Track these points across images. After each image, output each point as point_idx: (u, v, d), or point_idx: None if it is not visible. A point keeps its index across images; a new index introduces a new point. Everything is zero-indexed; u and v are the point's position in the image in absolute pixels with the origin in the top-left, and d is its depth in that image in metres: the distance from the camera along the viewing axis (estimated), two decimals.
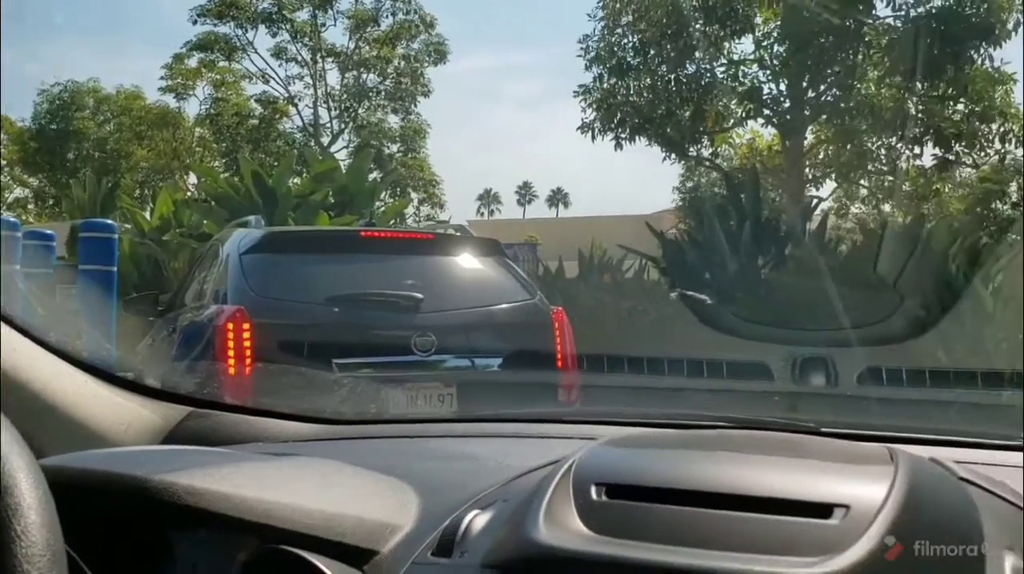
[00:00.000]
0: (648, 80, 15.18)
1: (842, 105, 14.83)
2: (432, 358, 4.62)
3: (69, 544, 0.90)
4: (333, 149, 22.26)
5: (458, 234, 6.00)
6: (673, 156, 16.20)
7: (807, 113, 15.24)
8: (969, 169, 16.25)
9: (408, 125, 23.36)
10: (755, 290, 8.76)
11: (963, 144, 14.42)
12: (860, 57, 14.55)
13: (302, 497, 1.22)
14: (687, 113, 15.20)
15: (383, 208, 16.07)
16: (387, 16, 22.79)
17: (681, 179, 19.51)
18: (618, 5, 15.49)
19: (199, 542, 1.21)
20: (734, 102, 15.63)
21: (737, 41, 15.33)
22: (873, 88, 14.92)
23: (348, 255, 5.21)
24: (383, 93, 23.18)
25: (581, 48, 15.72)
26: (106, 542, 1.17)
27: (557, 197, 59.17)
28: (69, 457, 1.28)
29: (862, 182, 17.47)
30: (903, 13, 14.12)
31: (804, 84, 14.85)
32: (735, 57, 15.42)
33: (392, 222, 14.34)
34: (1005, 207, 17.20)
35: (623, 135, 15.29)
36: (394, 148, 23.40)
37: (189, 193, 18.35)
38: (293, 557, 1.14)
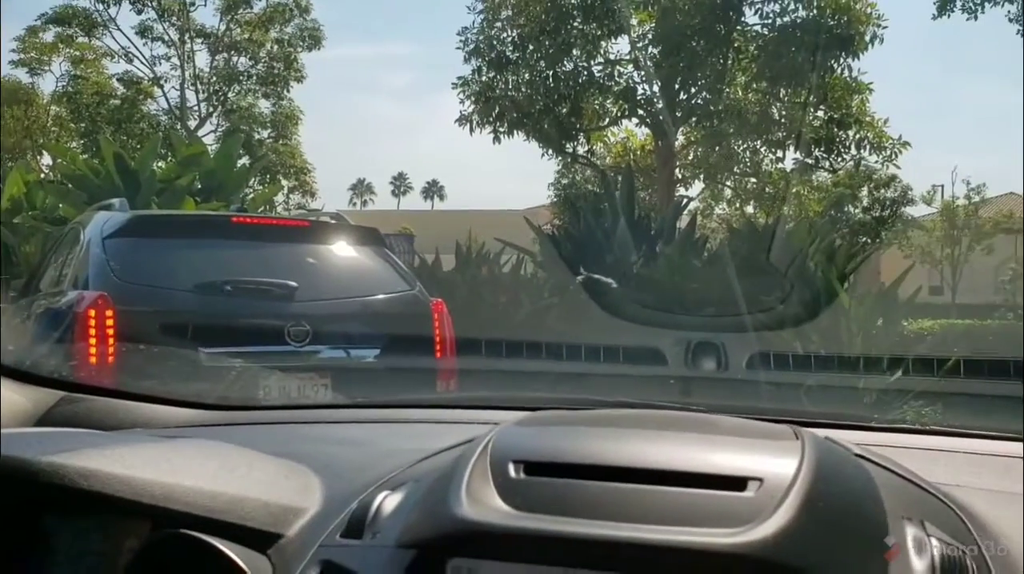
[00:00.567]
0: (527, 75, 15.30)
1: (711, 108, 15.35)
2: (306, 348, 4.51)
3: None
4: (201, 133, 21.48)
5: (335, 222, 5.86)
6: (550, 152, 16.39)
7: (678, 115, 15.69)
8: (826, 173, 17.13)
9: (280, 111, 22.74)
10: (627, 285, 8.94)
11: (822, 149, 15.16)
12: (729, 62, 15.10)
13: (202, 480, 1.19)
14: (564, 110, 15.39)
15: (252, 195, 15.60)
16: None
17: (557, 175, 19.74)
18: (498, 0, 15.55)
19: (82, 530, 1.14)
20: (609, 101, 15.95)
21: (613, 41, 15.65)
22: (741, 93, 15.52)
23: (219, 241, 5.01)
24: (254, 77, 22.46)
25: (460, 40, 15.74)
26: None
27: (432, 189, 59.01)
28: None
29: (728, 183, 18.12)
30: (770, 21, 14.77)
31: (676, 86, 15.29)
32: (611, 57, 15.73)
33: (262, 209, 13.92)
34: (857, 211, 18.25)
35: (501, 129, 15.38)
36: (265, 134, 22.74)
37: (43, 174, 17.32)
38: (194, 542, 1.10)
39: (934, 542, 1.02)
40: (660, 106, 15.58)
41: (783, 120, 15.29)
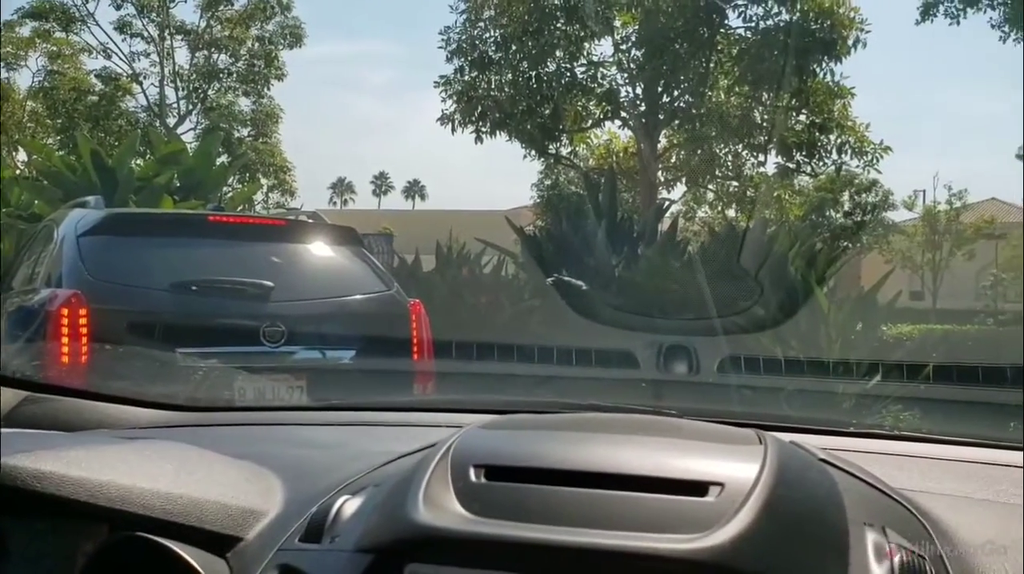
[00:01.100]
0: (509, 75, 15.30)
1: (694, 111, 15.40)
2: (282, 349, 4.47)
3: None
4: (180, 131, 21.31)
5: (312, 221, 5.82)
6: (533, 153, 16.40)
7: (661, 117, 15.73)
8: (807, 178, 17.22)
9: (260, 108, 22.58)
10: (609, 287, 8.94)
11: (803, 153, 15.22)
12: (712, 65, 15.15)
13: (160, 482, 1.18)
14: (547, 111, 15.40)
15: (231, 193, 15.52)
16: None
17: (540, 176, 19.75)
18: None
19: (37, 533, 1.13)
20: (592, 103, 15.97)
21: (596, 43, 15.66)
22: (723, 96, 15.58)
23: (195, 240, 4.97)
24: (235, 75, 22.30)
25: (442, 39, 15.71)
26: None
27: (414, 189, 58.84)
28: None
29: (710, 187, 18.19)
30: (753, 25, 14.82)
31: (659, 89, 15.33)
32: (594, 58, 15.75)
33: (241, 208, 13.84)
34: (838, 215, 18.37)
35: (484, 129, 15.37)
36: (245, 132, 22.60)
37: (19, 171, 17.15)
38: (150, 545, 1.08)
39: (894, 548, 1.02)
40: (643, 108, 15.62)
41: (765, 124, 15.36)
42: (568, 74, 15.37)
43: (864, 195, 18.78)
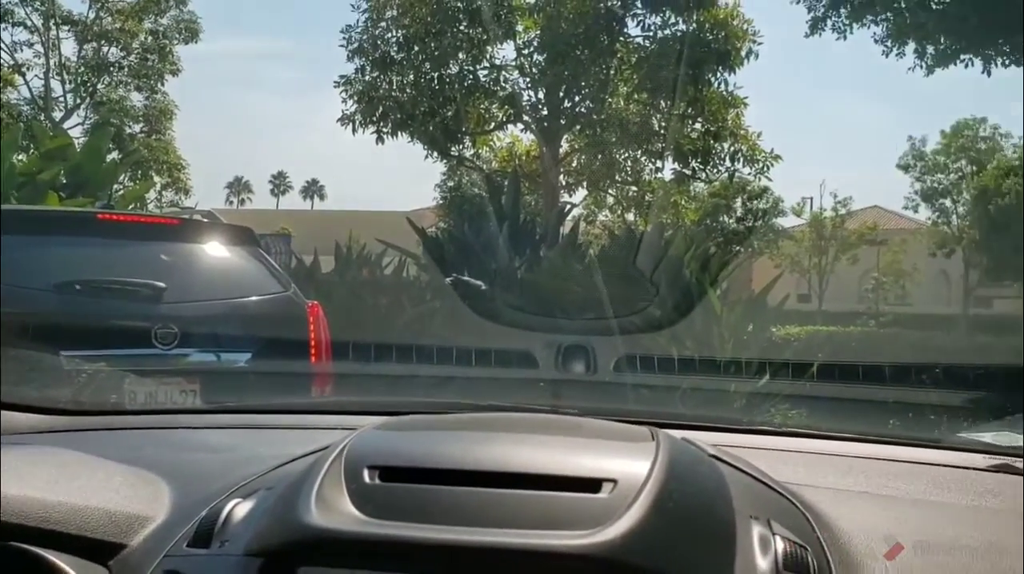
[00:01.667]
0: (411, 76, 15.22)
1: (594, 117, 15.62)
2: (174, 351, 4.33)
3: None
4: (67, 125, 20.41)
5: (206, 221, 5.66)
6: (435, 154, 16.35)
7: (563, 122, 15.91)
8: (702, 184, 17.71)
9: (153, 104, 21.84)
10: (511, 288, 8.99)
11: (698, 160, 15.63)
12: (612, 72, 15.41)
13: (38, 489, 1.14)
14: (449, 112, 15.38)
15: (122, 191, 14.96)
16: None
17: (443, 178, 19.70)
18: None
19: None
20: (495, 106, 16.03)
21: (499, 47, 15.73)
22: (623, 103, 15.86)
23: (82, 239, 4.77)
24: (126, 69, 21.53)
25: (344, 38, 15.54)
26: None
27: (312, 189, 57.83)
28: None
29: (610, 191, 18.49)
30: (652, 34, 15.16)
31: (561, 94, 15.49)
32: (497, 62, 15.82)
33: (132, 206, 13.34)
34: (731, 221, 18.94)
35: (385, 129, 15.24)
36: (137, 128, 21.82)
37: None
38: (26, 555, 1.05)
39: (778, 540, 1.05)
40: (545, 113, 15.77)
41: (662, 131, 15.71)
42: (470, 77, 15.40)
43: (755, 201, 19.43)
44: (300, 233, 19.57)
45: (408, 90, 15.22)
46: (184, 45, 21.84)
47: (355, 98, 15.33)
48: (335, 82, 15.49)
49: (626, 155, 16.83)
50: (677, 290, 8.23)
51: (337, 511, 1.00)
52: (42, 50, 21.24)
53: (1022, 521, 1.17)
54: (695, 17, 14.75)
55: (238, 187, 54.93)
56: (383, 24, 15.47)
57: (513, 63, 15.85)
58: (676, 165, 16.03)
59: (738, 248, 17.25)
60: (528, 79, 15.74)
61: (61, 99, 21.43)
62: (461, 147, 16.84)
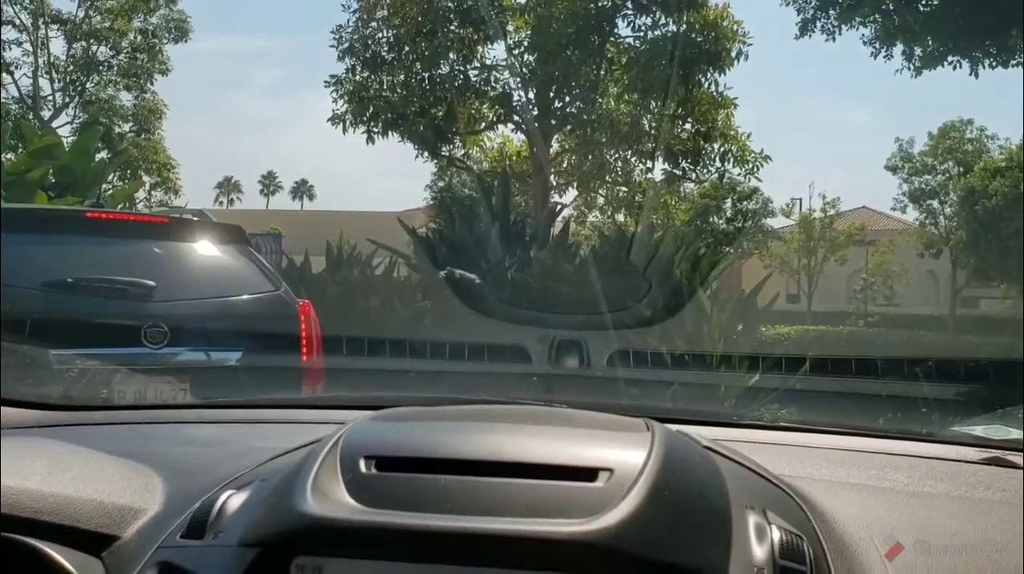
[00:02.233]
0: (402, 76, 15.19)
1: (585, 117, 15.61)
2: (164, 350, 4.31)
3: None
4: (55, 124, 20.33)
5: (196, 219, 5.63)
6: (426, 154, 16.32)
7: (553, 122, 15.90)
8: (692, 184, 17.74)
9: (143, 104, 21.77)
10: (502, 288, 8.99)
11: (689, 161, 15.65)
12: (603, 72, 15.42)
13: (30, 481, 1.14)
14: (440, 112, 15.36)
15: (112, 191, 14.89)
16: None
17: (433, 178, 19.69)
18: None
19: None
20: (486, 106, 16.01)
21: (490, 46, 15.72)
22: (613, 103, 15.87)
23: (71, 237, 4.75)
24: (116, 68, 21.44)
25: (334, 38, 15.49)
26: None
27: (302, 189, 57.72)
28: None
29: (600, 191, 18.50)
30: (642, 34, 15.17)
31: (551, 94, 15.48)
32: (488, 62, 15.81)
33: (122, 206, 13.30)
34: (721, 221, 18.99)
35: (375, 129, 15.20)
36: (126, 127, 21.74)
37: None
38: (18, 546, 1.04)
39: (774, 529, 1.06)
40: (535, 113, 15.75)
41: (652, 131, 15.72)
42: (461, 76, 15.37)
43: (745, 202, 19.50)
44: (290, 233, 19.55)
45: (399, 90, 15.18)
46: (174, 44, 21.82)
47: (345, 98, 15.28)
48: (325, 82, 15.47)
49: (616, 155, 16.83)
50: (668, 290, 8.25)
51: (333, 500, 0.99)
52: (31, 49, 21.16)
53: (1017, 513, 1.18)
54: (685, 18, 14.77)
55: (228, 187, 54.85)
56: (373, 24, 15.43)
57: (504, 63, 15.86)
58: (666, 165, 16.04)
59: (728, 248, 17.29)
60: (519, 79, 15.73)
61: (50, 98, 21.35)
62: (452, 147, 16.82)
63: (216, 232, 5.06)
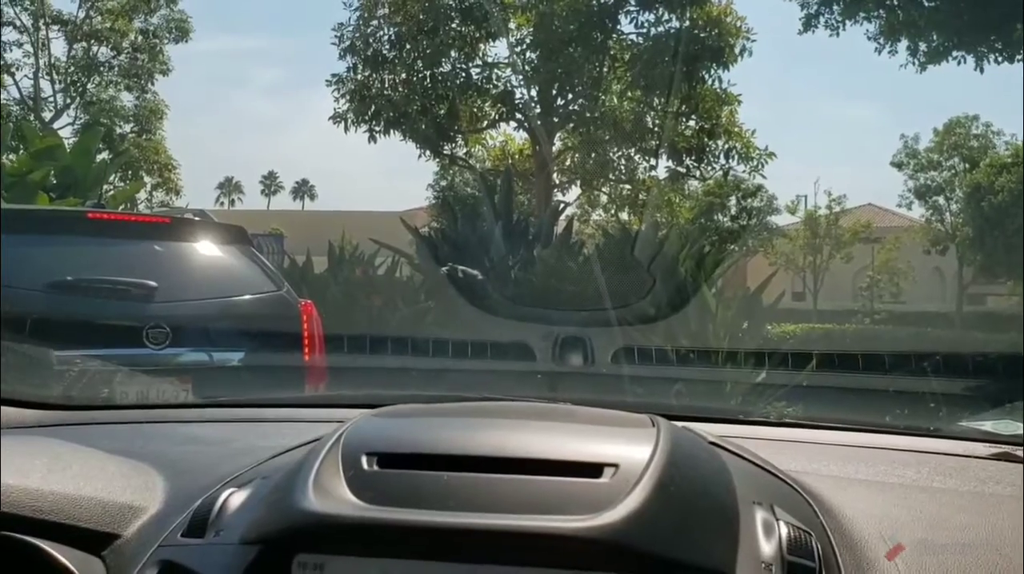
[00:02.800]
0: (404, 74, 15.18)
1: (588, 114, 15.60)
2: (166, 351, 4.30)
3: None
4: (56, 125, 20.37)
5: (198, 219, 5.62)
6: (428, 153, 16.32)
7: (556, 120, 15.89)
8: (696, 182, 17.69)
9: (144, 104, 21.80)
10: (505, 288, 8.99)
11: (692, 158, 15.62)
12: (605, 70, 15.39)
13: (30, 479, 1.13)
14: (442, 111, 15.35)
15: (113, 191, 14.92)
16: None
17: (436, 177, 19.67)
18: None
19: None
20: (488, 104, 15.99)
21: (492, 44, 15.70)
22: (616, 100, 15.84)
23: (73, 238, 4.75)
24: (116, 68, 21.47)
25: (335, 36, 15.50)
26: None
27: (303, 189, 57.75)
28: None
29: (604, 189, 18.48)
30: (645, 31, 15.15)
31: (554, 92, 15.48)
32: (489, 60, 15.80)
33: (123, 207, 13.32)
34: (725, 219, 18.95)
35: (377, 128, 15.20)
36: (127, 128, 21.77)
37: None
38: (18, 545, 1.04)
39: (782, 525, 1.05)
40: (538, 111, 15.74)
41: (656, 129, 15.69)
42: (463, 74, 15.36)
43: (749, 200, 19.45)
44: (292, 233, 19.56)
45: (400, 88, 15.16)
46: (174, 44, 21.84)
47: (347, 96, 15.29)
48: (327, 81, 15.49)
49: (620, 153, 16.81)
50: (672, 288, 8.24)
51: (335, 497, 0.99)
52: (32, 50, 21.21)
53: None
54: (688, 14, 14.74)
55: (229, 187, 54.86)
56: (375, 22, 15.43)
57: (506, 61, 15.84)
58: (670, 163, 16.04)
59: (732, 246, 17.26)
60: (521, 77, 15.72)
61: (51, 99, 21.41)
62: (454, 146, 16.81)
63: (218, 232, 5.05)
